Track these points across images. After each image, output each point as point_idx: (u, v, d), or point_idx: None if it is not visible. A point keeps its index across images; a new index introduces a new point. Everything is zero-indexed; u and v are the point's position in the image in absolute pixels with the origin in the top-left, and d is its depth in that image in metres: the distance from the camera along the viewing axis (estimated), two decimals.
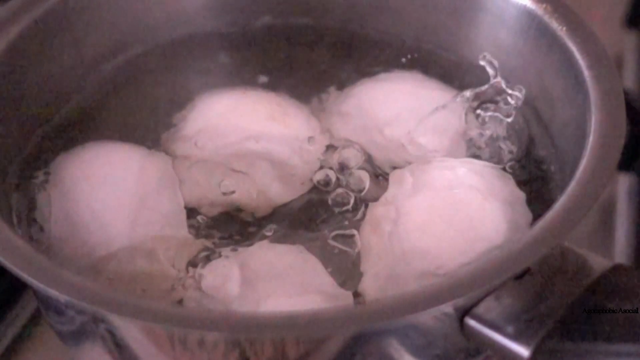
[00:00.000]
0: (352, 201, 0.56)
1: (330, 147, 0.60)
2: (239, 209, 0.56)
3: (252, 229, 0.55)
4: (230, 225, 0.56)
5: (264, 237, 0.54)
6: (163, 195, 0.55)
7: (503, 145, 0.59)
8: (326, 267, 0.52)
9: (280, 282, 0.49)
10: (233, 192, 0.56)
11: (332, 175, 0.58)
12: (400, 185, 0.55)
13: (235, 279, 0.49)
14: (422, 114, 0.60)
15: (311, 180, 0.58)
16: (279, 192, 0.57)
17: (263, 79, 0.65)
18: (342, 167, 0.58)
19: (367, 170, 0.58)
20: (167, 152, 0.58)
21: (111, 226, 0.52)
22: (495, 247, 0.50)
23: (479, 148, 0.59)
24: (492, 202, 0.52)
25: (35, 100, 0.59)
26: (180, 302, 0.51)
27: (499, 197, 0.53)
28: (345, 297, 0.50)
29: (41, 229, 0.54)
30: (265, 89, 0.63)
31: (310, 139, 0.59)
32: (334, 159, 0.59)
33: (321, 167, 0.58)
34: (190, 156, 0.58)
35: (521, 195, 0.55)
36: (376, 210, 0.55)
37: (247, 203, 0.56)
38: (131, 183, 0.54)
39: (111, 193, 0.54)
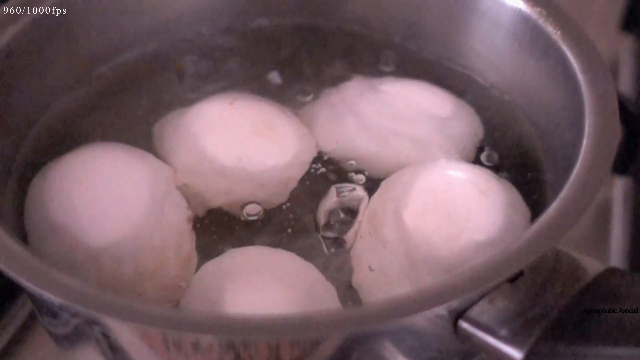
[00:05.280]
0: (346, 202, 0.57)
1: (321, 153, 0.60)
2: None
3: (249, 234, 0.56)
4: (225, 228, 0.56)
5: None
6: (164, 199, 0.55)
7: (498, 150, 0.60)
8: (324, 267, 0.53)
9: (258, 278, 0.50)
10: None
11: (321, 184, 0.58)
12: (396, 183, 0.55)
13: None
14: (419, 119, 0.60)
15: (297, 190, 0.58)
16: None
17: (258, 81, 0.65)
18: (336, 173, 0.59)
19: (360, 173, 0.59)
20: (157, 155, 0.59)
21: (113, 228, 0.52)
22: (492, 240, 0.51)
23: (474, 154, 0.59)
24: (490, 197, 0.53)
25: (31, 102, 0.59)
26: (177, 304, 0.51)
27: (496, 194, 0.53)
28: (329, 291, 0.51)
29: (37, 230, 0.54)
30: (261, 89, 0.64)
31: (297, 150, 0.58)
32: (326, 167, 0.59)
33: (314, 176, 0.59)
34: (178, 165, 0.58)
35: (518, 195, 0.55)
36: (372, 205, 0.55)
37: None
38: (130, 185, 0.54)
39: (110, 196, 0.53)
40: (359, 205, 0.56)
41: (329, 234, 0.55)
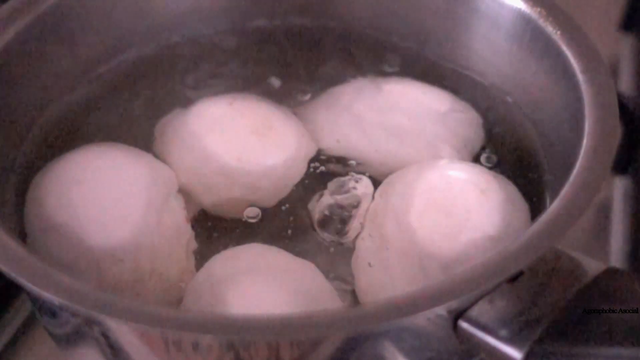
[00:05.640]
0: (344, 201, 0.57)
1: (321, 153, 0.60)
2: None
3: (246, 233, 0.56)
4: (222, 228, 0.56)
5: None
6: (164, 199, 0.55)
7: (498, 150, 0.60)
8: (324, 267, 0.53)
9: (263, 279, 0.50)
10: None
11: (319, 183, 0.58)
12: (397, 183, 0.55)
13: None
14: (419, 119, 0.60)
15: (296, 189, 0.58)
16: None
17: (258, 81, 0.65)
18: (335, 172, 0.59)
19: (360, 173, 0.59)
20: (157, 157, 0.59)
21: (113, 227, 0.52)
22: (492, 239, 0.51)
23: (474, 154, 0.59)
24: (490, 197, 0.53)
25: (31, 102, 0.59)
26: (177, 304, 0.51)
27: (496, 193, 0.53)
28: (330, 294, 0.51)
29: (37, 230, 0.54)
30: (260, 89, 0.64)
31: (296, 149, 0.59)
32: (325, 166, 0.59)
33: (313, 175, 0.59)
34: (178, 165, 0.58)
35: (517, 191, 0.55)
36: (373, 205, 0.55)
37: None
38: (130, 185, 0.54)
39: (110, 196, 0.53)
40: (358, 204, 0.56)
41: (328, 235, 0.55)
